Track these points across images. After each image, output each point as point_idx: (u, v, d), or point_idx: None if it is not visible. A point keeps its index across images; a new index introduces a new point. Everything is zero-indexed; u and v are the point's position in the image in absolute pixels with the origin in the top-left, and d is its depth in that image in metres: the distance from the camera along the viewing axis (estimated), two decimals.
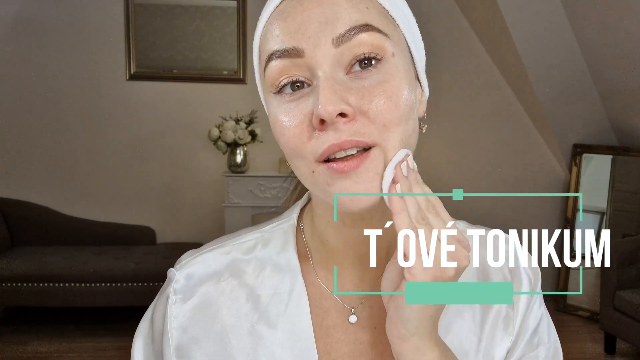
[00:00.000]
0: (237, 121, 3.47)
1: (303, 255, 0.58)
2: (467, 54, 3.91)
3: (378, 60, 0.46)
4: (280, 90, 0.48)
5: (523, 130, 4.02)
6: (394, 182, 0.46)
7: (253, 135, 3.47)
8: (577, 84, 3.57)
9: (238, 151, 3.49)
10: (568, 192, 3.92)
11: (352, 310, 0.55)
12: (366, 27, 0.46)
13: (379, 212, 0.51)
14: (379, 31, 0.46)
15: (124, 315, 3.44)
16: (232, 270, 0.57)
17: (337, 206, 0.47)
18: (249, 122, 3.51)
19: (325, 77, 0.45)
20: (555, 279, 4.02)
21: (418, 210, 0.45)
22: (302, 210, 0.61)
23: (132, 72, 3.72)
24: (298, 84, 0.47)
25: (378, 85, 0.46)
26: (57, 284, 3.16)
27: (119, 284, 3.20)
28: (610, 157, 3.75)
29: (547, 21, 3.28)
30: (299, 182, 0.64)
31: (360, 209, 0.46)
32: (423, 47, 0.55)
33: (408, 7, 0.53)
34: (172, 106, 3.78)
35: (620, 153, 3.68)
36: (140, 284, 3.21)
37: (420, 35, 0.54)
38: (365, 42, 0.46)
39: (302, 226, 0.59)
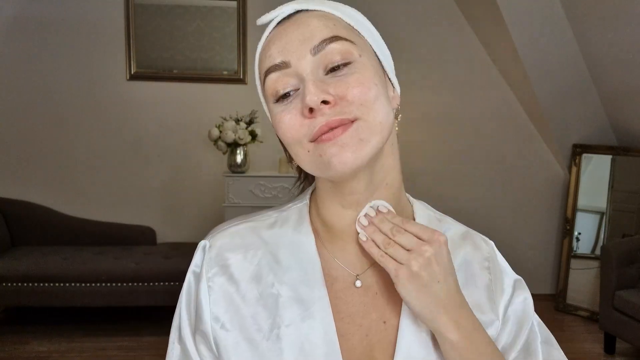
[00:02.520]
0: (237, 121, 3.48)
1: (316, 231, 0.68)
2: (467, 54, 3.91)
3: (348, 63, 0.58)
4: (278, 100, 0.60)
5: (523, 130, 4.03)
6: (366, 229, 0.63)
7: (253, 135, 3.47)
8: (577, 84, 3.57)
9: (238, 151, 3.49)
10: (568, 192, 3.92)
11: (357, 276, 0.65)
12: (335, 38, 0.58)
13: (368, 192, 0.64)
14: (345, 39, 0.59)
15: (124, 315, 3.44)
16: (258, 240, 0.67)
17: (331, 173, 0.57)
18: (249, 122, 3.51)
19: (309, 79, 0.57)
20: (555, 279, 4.03)
21: (384, 239, 0.60)
22: (311, 195, 0.71)
23: (132, 72, 3.72)
24: (291, 92, 0.59)
25: (351, 76, 0.58)
26: (57, 284, 3.16)
27: (119, 284, 3.20)
28: (609, 157, 3.75)
29: (547, 21, 3.28)
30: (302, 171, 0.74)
31: (351, 169, 0.57)
32: (389, 54, 0.67)
33: (372, 25, 0.66)
34: (172, 106, 3.78)
35: (620, 153, 3.68)
36: (140, 284, 3.21)
37: (385, 44, 0.66)
38: (335, 50, 0.58)
39: (309, 206, 0.70)
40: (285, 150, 0.65)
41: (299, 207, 0.70)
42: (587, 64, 3.48)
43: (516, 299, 0.69)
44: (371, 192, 0.63)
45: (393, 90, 0.66)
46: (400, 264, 0.58)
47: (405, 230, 0.60)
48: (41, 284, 3.16)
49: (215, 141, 3.44)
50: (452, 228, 0.71)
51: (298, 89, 0.59)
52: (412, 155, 3.87)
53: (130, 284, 3.21)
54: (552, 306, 3.91)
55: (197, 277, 0.65)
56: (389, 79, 0.66)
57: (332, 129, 0.56)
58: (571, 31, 3.33)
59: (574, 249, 3.88)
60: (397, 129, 0.66)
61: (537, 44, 3.37)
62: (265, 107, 0.66)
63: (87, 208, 3.76)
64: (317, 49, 0.58)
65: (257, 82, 0.65)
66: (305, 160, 0.59)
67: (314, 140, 0.57)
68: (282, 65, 0.59)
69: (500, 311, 0.67)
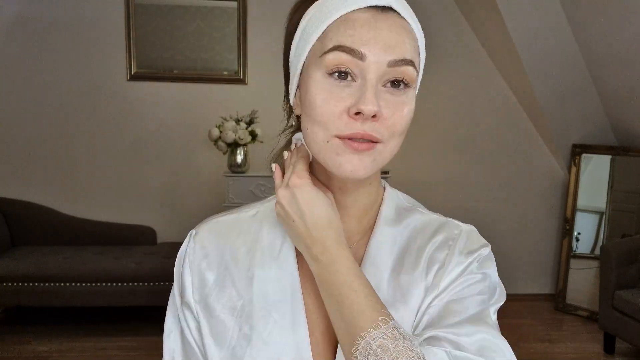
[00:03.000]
0: (238, 121, 3.48)
1: None
2: (467, 55, 3.91)
3: (407, 86, 0.63)
4: (332, 73, 0.62)
5: (522, 130, 4.03)
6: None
7: (253, 135, 3.47)
8: (577, 84, 3.57)
9: (238, 151, 3.49)
10: (567, 192, 3.93)
11: None
12: (410, 63, 0.62)
13: (353, 187, 0.69)
14: (415, 68, 0.63)
15: (124, 315, 3.44)
16: (239, 229, 0.74)
17: (340, 173, 0.63)
18: (249, 122, 3.51)
19: (372, 85, 0.60)
20: (555, 278, 4.03)
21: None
22: None
23: (132, 73, 3.72)
24: (344, 74, 0.61)
25: (400, 105, 0.62)
26: (57, 284, 3.17)
27: (119, 284, 3.20)
28: (609, 157, 3.76)
29: (546, 22, 3.28)
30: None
31: (358, 177, 0.63)
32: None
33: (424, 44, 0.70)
34: (172, 106, 3.79)
35: (620, 153, 3.69)
36: (140, 284, 3.21)
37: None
38: (406, 73, 0.62)
39: None
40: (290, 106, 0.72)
41: None
42: (586, 64, 3.49)
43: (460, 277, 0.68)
44: (356, 186, 0.69)
45: None
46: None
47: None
48: (41, 284, 3.16)
49: (216, 141, 3.44)
50: (420, 218, 0.74)
51: (353, 77, 0.61)
52: (412, 155, 3.88)
53: (130, 284, 3.21)
54: (551, 306, 3.91)
55: (182, 260, 0.73)
56: None
57: (362, 137, 0.61)
58: (571, 31, 3.34)
59: (574, 248, 3.88)
60: None
61: (537, 44, 3.37)
62: (298, 67, 0.66)
63: (87, 208, 3.77)
64: (393, 64, 0.61)
65: (312, 37, 0.64)
66: (319, 146, 0.63)
67: (341, 137, 0.61)
68: (357, 54, 0.60)
69: (442, 284, 0.67)
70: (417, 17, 0.67)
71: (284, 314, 0.67)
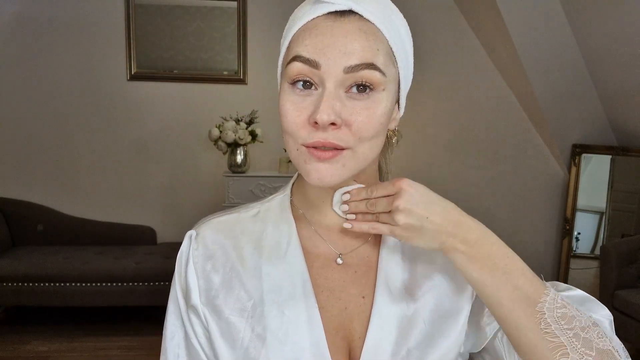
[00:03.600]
0: (238, 121, 3.48)
1: (299, 217, 0.74)
2: (467, 55, 3.91)
3: (371, 89, 0.62)
4: (294, 83, 0.63)
5: (522, 130, 4.03)
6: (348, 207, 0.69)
7: (253, 135, 3.47)
8: (576, 84, 3.57)
9: (238, 151, 3.49)
10: (567, 192, 3.92)
11: (340, 255, 0.71)
12: (371, 66, 0.61)
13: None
14: (380, 71, 0.61)
15: (124, 315, 3.44)
16: (241, 228, 0.73)
17: (310, 181, 0.63)
18: (249, 123, 3.51)
19: (329, 93, 0.60)
20: (555, 278, 4.03)
21: (364, 214, 0.67)
22: (292, 185, 0.77)
23: (132, 73, 3.72)
24: (308, 83, 0.62)
25: (365, 109, 0.62)
26: (57, 284, 3.17)
27: (119, 284, 3.20)
28: (609, 157, 3.76)
29: (546, 22, 3.28)
30: None
31: (326, 184, 0.63)
32: (412, 76, 0.71)
33: (411, 41, 0.69)
34: (172, 106, 3.79)
35: (620, 153, 3.69)
36: (140, 284, 3.21)
37: (412, 64, 0.70)
38: (365, 76, 0.61)
39: (291, 198, 0.76)
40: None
41: (281, 198, 0.76)
42: (586, 64, 3.49)
43: None
44: (346, 185, 0.70)
45: (397, 112, 0.70)
46: (391, 225, 0.63)
47: (376, 198, 0.66)
48: (41, 284, 3.16)
49: (216, 141, 3.44)
50: None
51: (316, 86, 0.62)
52: (411, 156, 3.88)
53: (130, 284, 3.21)
54: None
55: (185, 263, 0.71)
56: (398, 100, 0.69)
57: (325, 146, 0.61)
58: (571, 31, 3.34)
59: (574, 248, 3.88)
60: (395, 145, 0.72)
61: (537, 44, 3.37)
62: (279, 72, 0.68)
63: (87, 208, 3.77)
64: (350, 69, 0.60)
65: (282, 52, 0.67)
66: (292, 154, 0.64)
67: (307, 146, 0.62)
68: (312, 63, 0.61)
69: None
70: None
71: (298, 312, 0.67)
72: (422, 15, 3.79)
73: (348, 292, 0.69)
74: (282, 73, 0.66)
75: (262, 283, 0.69)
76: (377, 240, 0.72)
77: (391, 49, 0.64)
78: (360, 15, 0.62)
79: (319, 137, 0.60)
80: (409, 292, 0.69)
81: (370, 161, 0.65)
